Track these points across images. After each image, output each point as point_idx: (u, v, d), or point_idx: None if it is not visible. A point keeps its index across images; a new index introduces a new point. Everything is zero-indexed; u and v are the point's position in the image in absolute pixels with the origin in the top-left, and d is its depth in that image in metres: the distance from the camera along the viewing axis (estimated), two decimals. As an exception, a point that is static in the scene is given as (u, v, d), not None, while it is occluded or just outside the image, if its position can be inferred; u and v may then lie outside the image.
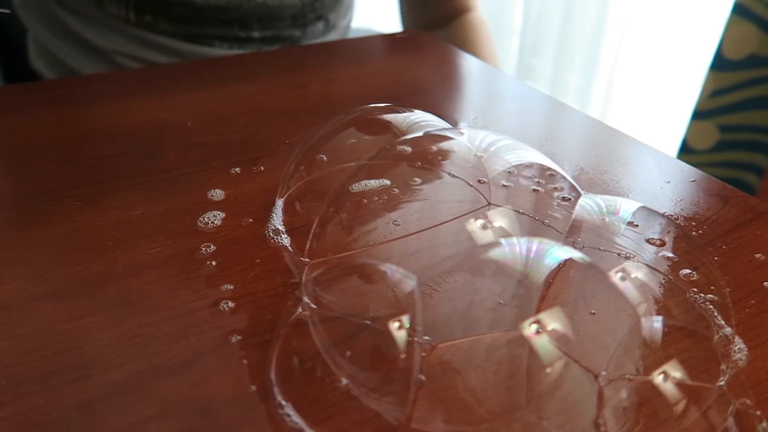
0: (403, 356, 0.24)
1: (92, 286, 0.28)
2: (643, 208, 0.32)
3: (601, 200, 0.31)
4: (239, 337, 0.26)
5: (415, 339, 0.24)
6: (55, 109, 0.44)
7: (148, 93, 0.47)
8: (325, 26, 0.68)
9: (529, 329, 0.22)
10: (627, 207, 0.31)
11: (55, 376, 0.24)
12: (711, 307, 0.28)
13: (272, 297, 0.28)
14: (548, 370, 0.23)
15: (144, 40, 0.61)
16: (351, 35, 0.85)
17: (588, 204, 0.30)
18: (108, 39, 0.61)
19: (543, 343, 0.22)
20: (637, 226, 0.32)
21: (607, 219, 0.30)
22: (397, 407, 0.23)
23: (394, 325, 0.23)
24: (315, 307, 0.26)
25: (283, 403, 0.23)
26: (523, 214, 0.33)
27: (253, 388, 0.23)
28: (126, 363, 0.24)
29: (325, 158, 0.37)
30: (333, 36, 0.71)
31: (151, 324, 0.26)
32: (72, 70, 0.64)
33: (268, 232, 0.32)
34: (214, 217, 0.33)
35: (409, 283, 0.25)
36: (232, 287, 0.28)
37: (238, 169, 0.37)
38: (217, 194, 0.35)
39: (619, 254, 0.30)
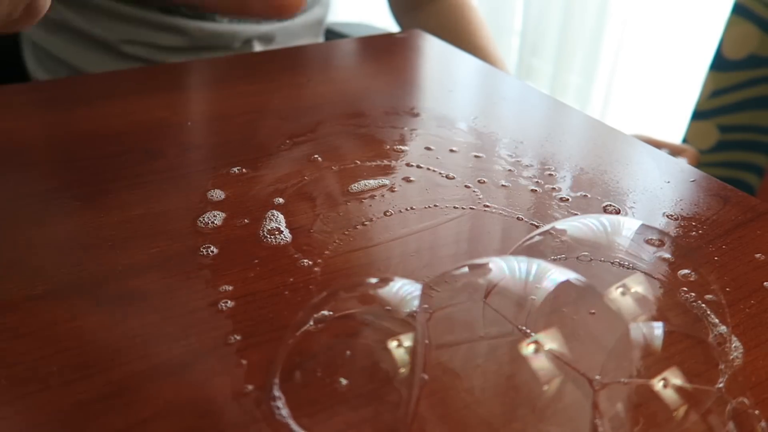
0: (406, 357, 0.24)
1: (92, 286, 0.28)
2: (644, 225, 0.32)
3: (596, 219, 0.31)
4: (239, 337, 0.26)
5: (419, 339, 0.24)
6: (55, 109, 0.44)
7: (148, 93, 0.47)
8: None
9: (526, 332, 0.22)
10: (628, 225, 0.31)
11: (55, 376, 0.24)
12: (704, 306, 0.28)
13: (272, 297, 0.28)
14: (544, 373, 0.23)
15: (150, 22, 0.61)
16: (350, 32, 0.85)
17: (592, 223, 0.30)
18: (113, 29, 0.61)
19: (539, 348, 0.22)
20: (635, 234, 0.32)
21: (607, 235, 0.30)
22: (399, 408, 0.23)
23: (396, 326, 0.23)
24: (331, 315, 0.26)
25: (283, 403, 0.23)
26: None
27: (252, 388, 0.23)
28: (126, 363, 0.24)
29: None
30: (319, 6, 0.72)
31: (151, 324, 0.26)
32: (75, 70, 0.64)
33: (267, 232, 0.32)
34: (214, 217, 0.33)
35: (413, 287, 0.25)
36: (231, 287, 0.28)
37: (237, 169, 0.37)
38: (217, 194, 0.35)
39: (612, 263, 0.30)
